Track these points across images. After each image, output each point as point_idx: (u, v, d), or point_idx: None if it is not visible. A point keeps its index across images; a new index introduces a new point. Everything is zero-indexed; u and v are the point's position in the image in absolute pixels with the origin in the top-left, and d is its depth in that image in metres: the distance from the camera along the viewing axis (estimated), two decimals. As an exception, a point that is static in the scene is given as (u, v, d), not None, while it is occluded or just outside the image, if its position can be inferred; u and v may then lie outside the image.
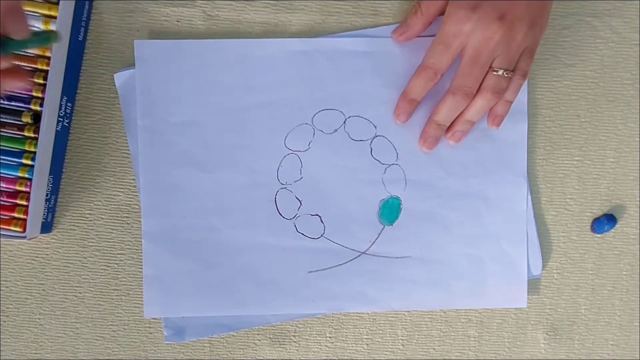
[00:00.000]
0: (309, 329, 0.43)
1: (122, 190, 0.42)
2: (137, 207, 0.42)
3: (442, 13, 0.38)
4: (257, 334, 0.43)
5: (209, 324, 0.42)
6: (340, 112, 0.42)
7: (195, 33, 0.42)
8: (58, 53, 0.39)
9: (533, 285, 0.43)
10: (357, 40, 0.42)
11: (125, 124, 0.42)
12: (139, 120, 0.41)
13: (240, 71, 0.41)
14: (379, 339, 0.43)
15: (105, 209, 0.42)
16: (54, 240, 0.43)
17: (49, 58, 0.39)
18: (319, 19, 0.42)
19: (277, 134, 0.42)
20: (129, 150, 0.42)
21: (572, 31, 0.43)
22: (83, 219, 0.43)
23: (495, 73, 0.37)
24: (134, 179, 0.42)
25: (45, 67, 0.39)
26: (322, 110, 0.42)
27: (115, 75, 0.41)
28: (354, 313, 0.43)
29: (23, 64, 0.40)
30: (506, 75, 0.37)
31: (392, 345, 0.43)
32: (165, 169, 0.41)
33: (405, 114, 0.40)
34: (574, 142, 0.43)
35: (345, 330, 0.43)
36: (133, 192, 0.42)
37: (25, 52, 0.40)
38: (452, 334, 0.44)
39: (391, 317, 0.43)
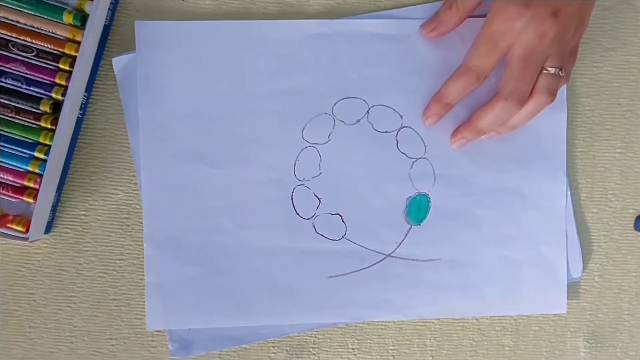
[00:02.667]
0: (329, 340, 0.40)
1: (121, 188, 0.39)
2: (138, 207, 0.39)
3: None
4: (272, 347, 0.39)
5: (218, 336, 0.39)
6: (363, 100, 0.38)
7: (203, 13, 0.38)
8: (90, 39, 0.35)
9: (572, 289, 0.40)
10: (381, 22, 0.38)
11: (125, 115, 0.38)
12: (140, 111, 0.38)
13: (253, 56, 0.38)
14: (406, 350, 0.40)
15: (103, 210, 0.39)
16: (45, 245, 0.39)
17: (79, 43, 0.36)
18: (340, -2, 0.38)
19: (293, 126, 0.38)
20: (128, 143, 0.38)
21: (613, 12, 0.40)
22: (78, 220, 0.39)
23: (547, 72, 0.33)
24: (134, 176, 0.39)
25: (73, 53, 0.36)
26: (343, 99, 0.38)
27: (113, 60, 0.38)
28: (378, 322, 0.40)
29: (49, 46, 0.36)
30: (560, 74, 0.34)
31: (420, 356, 0.40)
32: (170, 165, 0.38)
33: (436, 117, 0.38)
34: (616, 133, 0.40)
35: (369, 341, 0.40)
36: (133, 190, 0.39)
37: (54, 33, 0.36)
38: (486, 343, 0.40)
39: (419, 325, 0.40)
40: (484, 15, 0.35)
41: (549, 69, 0.33)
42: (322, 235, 0.38)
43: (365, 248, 0.39)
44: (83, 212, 0.39)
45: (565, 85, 0.39)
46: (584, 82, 0.40)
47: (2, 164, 0.37)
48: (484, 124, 0.36)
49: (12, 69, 0.36)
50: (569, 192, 0.40)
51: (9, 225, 0.36)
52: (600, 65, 0.40)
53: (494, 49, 0.33)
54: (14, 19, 0.36)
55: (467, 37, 0.37)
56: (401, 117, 0.39)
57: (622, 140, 0.40)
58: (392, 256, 0.39)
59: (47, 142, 0.36)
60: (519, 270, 0.39)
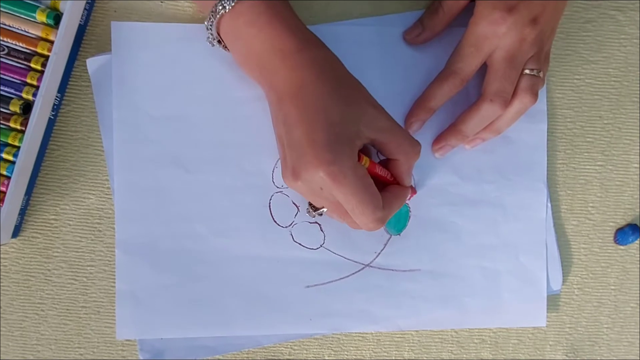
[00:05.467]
0: (305, 351, 0.38)
1: (93, 192, 0.37)
2: (110, 212, 0.37)
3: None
4: (247, 357, 0.38)
5: (191, 346, 0.38)
6: (344, 107, 0.38)
7: (182, 16, 0.37)
8: (64, 38, 0.34)
9: (552, 301, 0.40)
10: (363, 28, 0.38)
11: (99, 117, 0.37)
12: (115, 113, 0.36)
13: (231, 60, 0.37)
14: (384, 362, 0.39)
15: (74, 214, 0.37)
16: (12, 250, 0.37)
17: (52, 42, 0.35)
18: (322, 2, 0.38)
19: (272, 131, 0.37)
20: (102, 146, 0.37)
21: (595, 25, 0.40)
22: (47, 225, 0.37)
23: (528, 73, 0.34)
24: (107, 180, 0.37)
25: (46, 53, 0.35)
26: (324, 105, 0.37)
27: (87, 61, 0.37)
28: (356, 333, 0.39)
29: (21, 44, 0.35)
30: (540, 75, 0.35)
31: (398, 369, 0.39)
32: (144, 169, 0.37)
33: (420, 123, 0.37)
34: (596, 146, 0.40)
35: (346, 353, 0.39)
36: (106, 194, 0.37)
37: (26, 32, 0.35)
38: (464, 356, 0.39)
39: (397, 337, 0.39)
40: (462, 26, 0.35)
41: (529, 70, 0.34)
42: (299, 243, 0.38)
43: (344, 257, 0.38)
44: (53, 217, 0.37)
45: (546, 97, 0.39)
46: (565, 93, 0.40)
47: (-32, 165, 0.35)
48: (468, 127, 0.36)
49: (-18, 68, 0.35)
50: (549, 204, 0.39)
51: None
52: (581, 77, 0.40)
53: (477, 51, 0.34)
54: (-15, 16, 0.35)
55: (446, 44, 0.37)
56: (382, 125, 0.38)
57: (602, 153, 0.40)
58: (371, 266, 0.38)
59: (16, 144, 0.35)
60: (499, 282, 0.39)
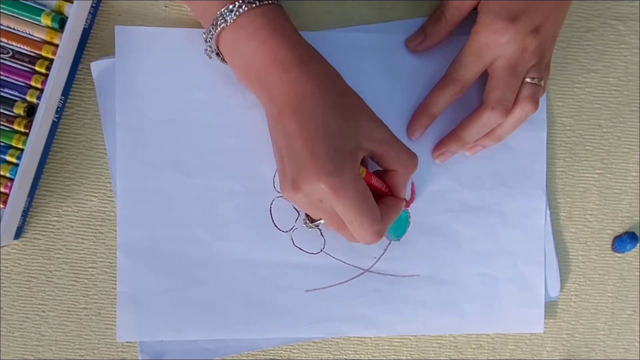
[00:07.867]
0: (304, 355, 0.39)
1: (95, 194, 0.38)
2: (112, 214, 0.38)
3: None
4: (246, 360, 0.38)
5: (191, 348, 0.38)
6: (345, 113, 0.38)
7: (185, 20, 0.37)
8: (69, 41, 0.35)
9: (550, 308, 0.40)
10: (365, 35, 0.38)
11: (102, 120, 0.37)
12: (118, 116, 0.37)
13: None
14: (382, 367, 0.39)
15: (76, 216, 0.38)
16: (14, 251, 0.37)
17: (56, 46, 0.35)
18: (325, 9, 0.38)
19: (274, 136, 0.37)
20: (105, 149, 0.37)
21: (596, 35, 0.40)
22: (49, 226, 0.37)
23: (529, 82, 0.35)
24: (109, 183, 0.38)
25: (50, 56, 0.35)
26: (325, 111, 0.38)
27: (91, 64, 0.37)
28: (354, 337, 0.39)
29: (26, 47, 0.35)
30: (540, 84, 0.35)
31: (396, 373, 0.39)
32: (146, 172, 0.37)
33: (422, 130, 0.37)
34: (595, 154, 0.40)
35: (344, 357, 0.39)
36: (108, 197, 0.38)
37: (31, 35, 0.35)
38: (462, 361, 0.40)
39: (396, 342, 0.39)
40: (465, 34, 0.35)
41: (530, 79, 0.35)
42: (299, 248, 0.38)
43: (344, 262, 0.38)
44: (55, 218, 0.38)
45: (546, 105, 0.40)
46: (565, 102, 0.40)
47: (-28, 167, 0.35)
48: (469, 134, 0.36)
49: (-14, 70, 0.36)
50: (548, 211, 0.40)
51: None
52: (581, 86, 0.40)
53: (478, 60, 0.34)
54: (-10, 19, 0.35)
55: (448, 52, 0.37)
56: (383, 132, 0.38)
57: (601, 161, 0.40)
58: (370, 271, 0.38)
59: (20, 146, 0.35)
60: (497, 288, 0.39)
